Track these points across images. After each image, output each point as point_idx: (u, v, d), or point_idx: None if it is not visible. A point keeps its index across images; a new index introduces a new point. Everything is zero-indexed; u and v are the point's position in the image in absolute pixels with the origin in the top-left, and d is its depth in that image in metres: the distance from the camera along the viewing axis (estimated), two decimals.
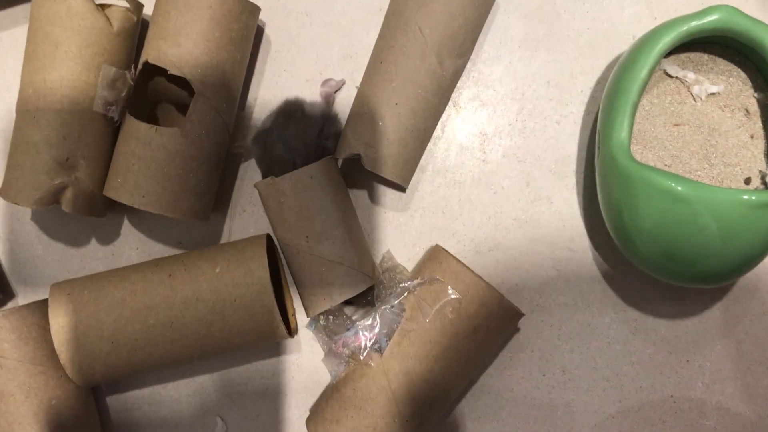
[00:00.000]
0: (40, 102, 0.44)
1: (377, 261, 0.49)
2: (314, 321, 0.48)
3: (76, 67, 0.44)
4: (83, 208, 0.45)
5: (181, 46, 0.43)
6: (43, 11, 0.44)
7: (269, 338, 0.45)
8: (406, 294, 0.45)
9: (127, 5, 0.46)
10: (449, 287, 0.43)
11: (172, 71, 0.43)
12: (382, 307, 0.45)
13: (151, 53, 0.44)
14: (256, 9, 0.47)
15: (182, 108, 0.50)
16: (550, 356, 0.49)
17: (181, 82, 0.46)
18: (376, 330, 0.45)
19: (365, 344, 0.44)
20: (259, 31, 0.51)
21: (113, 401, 0.50)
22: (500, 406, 0.49)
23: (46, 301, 0.46)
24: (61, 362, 0.43)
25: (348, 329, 0.46)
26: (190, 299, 0.43)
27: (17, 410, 0.43)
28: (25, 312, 0.45)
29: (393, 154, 0.45)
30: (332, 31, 0.51)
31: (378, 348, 0.44)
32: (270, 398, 0.50)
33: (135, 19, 0.47)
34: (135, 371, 0.44)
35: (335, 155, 0.47)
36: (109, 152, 0.47)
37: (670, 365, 0.49)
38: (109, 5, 0.46)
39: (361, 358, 0.44)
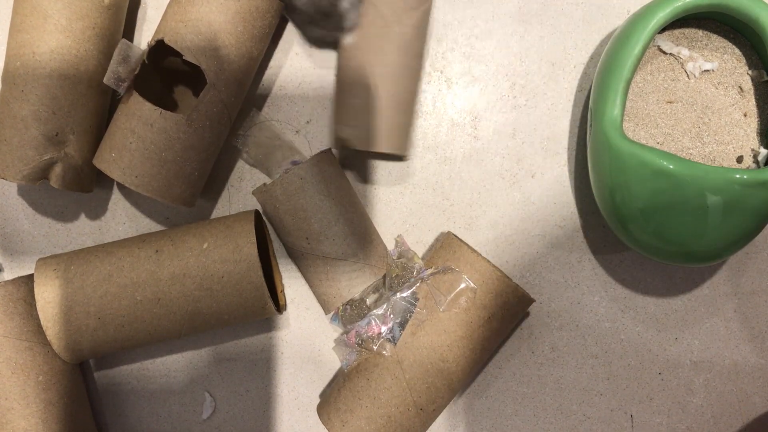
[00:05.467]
0: (29, 75, 0.43)
1: (390, 247, 0.49)
2: (336, 315, 0.48)
3: (66, 40, 0.43)
4: (72, 183, 0.45)
5: (202, 34, 0.42)
6: None
7: (258, 314, 0.45)
8: (419, 283, 0.44)
9: None
10: (464, 277, 0.43)
11: (189, 59, 0.42)
12: (396, 297, 0.44)
13: (168, 34, 0.43)
14: (282, 7, 0.46)
15: (186, 80, 0.49)
16: (539, 333, 0.49)
17: (192, 65, 0.45)
18: (390, 319, 0.44)
19: (378, 334, 0.44)
20: None
21: (101, 377, 0.50)
22: (489, 383, 0.49)
23: (32, 276, 0.46)
24: (48, 338, 0.42)
25: (362, 318, 0.46)
26: (177, 275, 0.43)
27: (3, 386, 0.43)
28: (10, 287, 0.44)
29: (380, 126, 0.45)
30: None
31: (392, 338, 0.44)
32: (259, 374, 0.50)
33: None
34: (122, 347, 0.44)
35: (332, 146, 0.47)
36: (99, 126, 0.46)
37: (658, 343, 0.49)
38: None
39: (375, 348, 0.44)
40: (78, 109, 0.44)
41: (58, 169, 0.44)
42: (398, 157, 0.50)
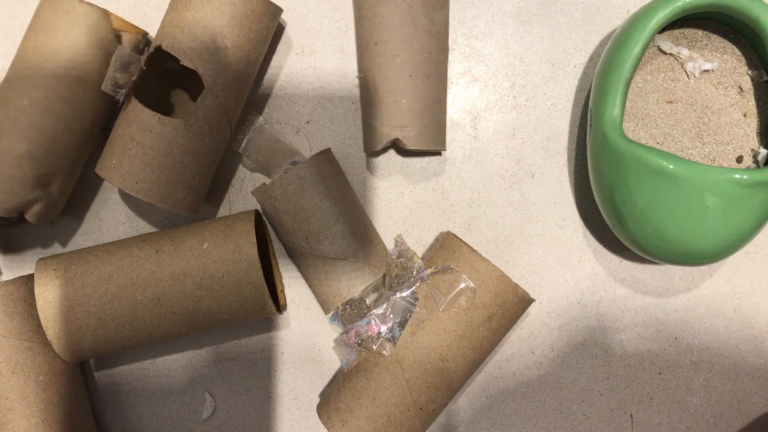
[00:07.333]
0: (35, 119, 0.43)
1: (390, 246, 0.49)
2: (335, 315, 0.48)
3: (78, 89, 0.43)
4: (44, 219, 0.45)
5: (198, 38, 0.42)
6: (61, 32, 0.43)
7: (258, 314, 0.45)
8: (419, 283, 0.44)
9: (141, 33, 0.46)
10: (464, 276, 0.43)
11: (185, 63, 0.42)
12: (396, 296, 0.45)
13: (165, 39, 0.43)
14: (278, 11, 0.45)
15: (186, 85, 0.49)
16: (539, 333, 0.49)
17: (191, 70, 0.45)
18: (389, 319, 0.44)
19: (378, 334, 0.44)
20: None
21: (101, 376, 0.50)
22: (489, 383, 0.49)
23: (32, 276, 0.46)
24: (48, 338, 0.42)
25: (361, 318, 0.46)
26: (177, 275, 0.43)
27: (3, 386, 0.43)
28: (10, 287, 0.44)
29: (428, 124, 0.45)
30: (322, 4, 0.50)
31: (391, 337, 0.44)
32: (259, 374, 0.50)
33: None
34: (123, 347, 0.44)
35: (369, 149, 0.47)
36: (81, 166, 0.47)
37: (658, 343, 0.49)
38: (124, 31, 0.45)
39: (374, 347, 0.44)
40: (71, 153, 0.45)
41: (37, 208, 0.44)
42: (435, 153, 0.50)
